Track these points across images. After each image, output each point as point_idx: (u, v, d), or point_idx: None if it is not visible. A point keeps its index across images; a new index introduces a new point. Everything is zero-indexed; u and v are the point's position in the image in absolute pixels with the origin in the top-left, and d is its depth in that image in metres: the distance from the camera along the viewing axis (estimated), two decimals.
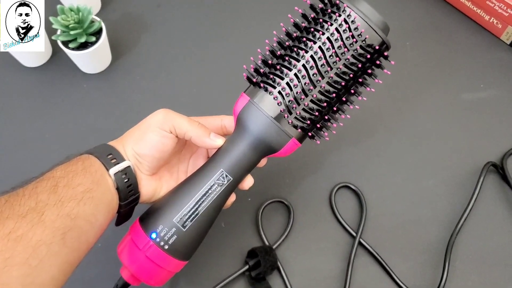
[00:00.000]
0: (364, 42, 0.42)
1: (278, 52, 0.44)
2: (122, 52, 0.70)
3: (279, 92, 0.43)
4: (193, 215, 0.43)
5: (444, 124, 0.65)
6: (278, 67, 0.43)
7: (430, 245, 0.57)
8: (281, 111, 0.43)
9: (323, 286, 0.55)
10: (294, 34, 0.44)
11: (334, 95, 0.43)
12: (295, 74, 0.42)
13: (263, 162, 0.48)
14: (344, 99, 0.44)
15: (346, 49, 0.42)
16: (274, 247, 0.55)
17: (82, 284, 0.54)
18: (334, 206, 0.58)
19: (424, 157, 0.62)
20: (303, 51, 0.43)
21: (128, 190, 0.43)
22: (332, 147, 0.62)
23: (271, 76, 0.43)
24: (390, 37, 0.73)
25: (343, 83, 0.43)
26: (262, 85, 0.44)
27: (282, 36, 0.45)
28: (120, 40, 0.70)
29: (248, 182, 0.47)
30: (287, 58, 0.43)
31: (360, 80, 0.44)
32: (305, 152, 0.62)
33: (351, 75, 0.43)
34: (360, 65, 0.43)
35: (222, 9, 0.74)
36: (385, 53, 0.43)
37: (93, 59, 0.66)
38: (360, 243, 0.56)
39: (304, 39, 0.43)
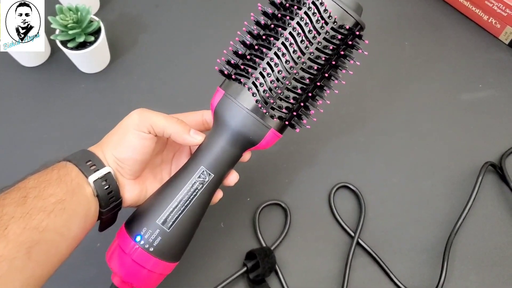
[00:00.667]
0: (335, 23, 0.41)
1: (248, 42, 0.43)
2: (121, 52, 0.70)
3: (253, 83, 0.42)
4: (176, 215, 0.42)
5: (442, 124, 0.65)
6: (249, 57, 0.42)
7: (428, 245, 0.57)
8: (256, 101, 0.42)
9: (322, 286, 0.55)
10: (263, 22, 0.43)
11: (308, 80, 0.42)
12: (268, 63, 0.41)
13: (246, 156, 0.46)
14: (321, 84, 0.43)
15: (316, 32, 0.40)
16: (272, 248, 0.55)
17: (80, 285, 0.54)
18: (333, 206, 0.58)
19: (422, 157, 0.62)
20: (274, 39, 0.41)
21: (109, 196, 0.42)
22: (331, 148, 0.62)
23: (243, 67, 0.42)
24: (388, 37, 0.73)
25: (316, 67, 0.41)
26: (234, 76, 0.43)
27: (252, 26, 0.43)
28: (118, 40, 0.70)
29: (232, 178, 0.46)
30: (257, 47, 0.42)
31: (335, 63, 0.43)
32: (304, 152, 0.62)
33: (324, 59, 0.41)
34: (332, 47, 0.41)
35: (220, 9, 0.74)
36: (357, 32, 0.41)
37: (92, 59, 0.66)
38: (358, 243, 0.56)
39: (274, 26, 0.42)
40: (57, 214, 0.37)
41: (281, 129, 0.44)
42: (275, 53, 0.41)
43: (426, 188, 0.60)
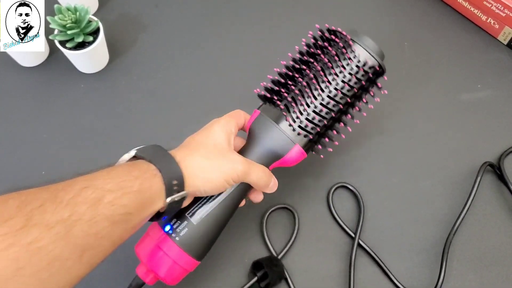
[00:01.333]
0: (359, 62, 0.48)
1: (285, 72, 0.50)
2: (120, 52, 0.70)
3: (286, 105, 0.48)
4: (204, 211, 0.46)
5: (441, 124, 0.65)
6: (284, 83, 0.49)
7: (427, 245, 0.57)
8: (286, 119, 0.48)
9: (325, 286, 0.55)
10: (301, 57, 0.50)
11: (333, 107, 0.48)
12: (300, 90, 0.48)
13: (259, 197, 0.51)
14: (344, 110, 0.49)
15: (343, 69, 0.47)
16: (279, 256, 0.55)
17: (80, 285, 0.54)
18: (332, 206, 0.58)
19: (421, 157, 0.63)
20: (308, 70, 0.48)
21: (171, 211, 0.42)
22: (329, 147, 0.62)
23: (281, 92, 0.49)
24: (387, 37, 0.73)
25: (341, 97, 0.48)
26: (273, 100, 0.49)
27: (290, 61, 0.51)
28: (117, 40, 0.70)
29: (257, 197, 0.50)
30: (293, 76, 0.49)
31: (358, 94, 0.49)
32: None
33: (348, 90, 0.48)
34: (356, 82, 0.48)
35: (219, 9, 0.74)
36: (378, 69, 0.49)
37: (91, 59, 0.66)
38: (358, 244, 0.56)
39: (310, 60, 0.49)
40: (119, 225, 0.37)
41: (306, 148, 0.49)
42: (307, 83, 0.48)
43: (424, 188, 0.61)
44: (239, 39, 0.71)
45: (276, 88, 0.49)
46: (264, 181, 0.47)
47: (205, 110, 0.66)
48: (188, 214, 0.45)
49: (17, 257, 0.30)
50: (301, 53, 0.50)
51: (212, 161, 0.44)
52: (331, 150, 0.52)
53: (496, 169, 0.61)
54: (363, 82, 0.48)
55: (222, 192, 0.46)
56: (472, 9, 0.71)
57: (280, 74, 0.50)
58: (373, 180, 0.61)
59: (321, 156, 0.53)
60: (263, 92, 0.50)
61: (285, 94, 0.48)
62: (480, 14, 0.70)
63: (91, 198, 0.35)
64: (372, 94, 0.50)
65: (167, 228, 0.45)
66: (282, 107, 0.48)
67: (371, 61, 0.48)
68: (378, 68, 0.49)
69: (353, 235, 0.57)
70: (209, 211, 0.46)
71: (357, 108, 0.50)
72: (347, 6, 0.74)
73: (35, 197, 0.33)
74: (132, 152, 0.42)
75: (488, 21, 0.70)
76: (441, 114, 0.66)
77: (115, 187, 0.36)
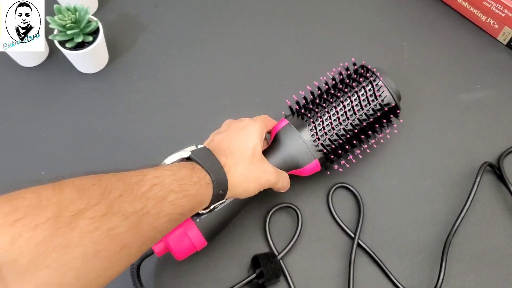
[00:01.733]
0: (382, 101, 0.54)
1: (318, 94, 0.56)
2: (119, 52, 0.70)
3: (313, 122, 0.53)
4: (225, 202, 0.50)
5: (440, 125, 0.65)
6: (313, 103, 0.55)
7: (427, 245, 0.57)
8: (311, 135, 0.53)
9: (324, 286, 0.55)
10: (332, 83, 0.57)
11: (352, 133, 0.54)
12: (327, 112, 0.54)
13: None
14: (361, 137, 0.55)
15: (367, 102, 0.54)
16: (280, 255, 0.55)
17: None
18: (331, 206, 0.58)
19: (420, 157, 0.63)
20: (336, 98, 0.54)
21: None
22: None
23: (310, 110, 0.54)
24: (387, 37, 0.73)
25: (361, 125, 0.54)
26: (304, 114, 0.54)
27: (323, 85, 0.57)
28: (117, 40, 0.70)
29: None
30: (324, 100, 0.55)
31: (374, 126, 0.55)
32: None
33: (369, 121, 0.54)
34: (374, 116, 0.54)
35: (219, 9, 0.74)
36: (397, 111, 0.56)
37: (90, 59, 0.66)
38: (357, 244, 0.56)
39: (340, 88, 0.55)
40: (173, 223, 0.41)
41: (323, 163, 0.54)
42: (335, 107, 0.54)
43: (424, 188, 0.61)
44: (239, 39, 0.71)
45: (309, 107, 0.55)
46: (284, 186, 0.53)
47: (205, 110, 0.66)
48: None
49: (98, 241, 0.33)
50: (334, 80, 0.57)
51: (252, 172, 0.48)
52: (341, 170, 0.57)
53: (495, 169, 0.61)
54: (378, 114, 0.54)
55: None
56: (471, 9, 0.71)
57: (312, 93, 0.56)
58: (373, 180, 0.61)
59: (328, 173, 0.57)
60: (296, 106, 0.55)
61: (316, 112, 0.54)
62: (480, 14, 0.70)
63: (158, 195, 0.38)
64: (384, 125, 0.56)
65: None
66: (311, 125, 0.53)
67: (392, 101, 0.55)
68: (393, 106, 0.56)
69: (352, 235, 0.57)
70: (228, 201, 0.51)
71: (369, 132, 0.55)
72: (347, 6, 0.74)
73: (115, 187, 0.36)
74: (186, 154, 0.45)
75: (487, 21, 0.70)
76: (440, 114, 0.66)
77: (178, 188, 0.40)
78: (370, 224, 0.58)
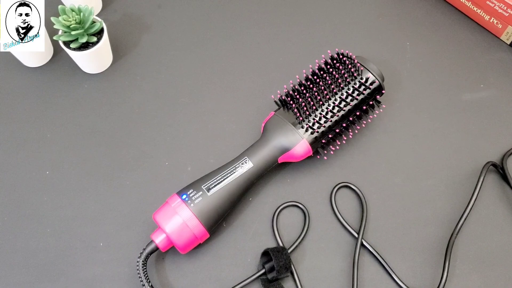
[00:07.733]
0: (360, 77, 0.57)
1: (301, 81, 0.59)
2: (123, 52, 0.70)
3: (297, 108, 0.56)
4: (217, 185, 0.53)
5: (444, 124, 0.65)
6: (298, 92, 0.57)
7: (430, 245, 0.57)
8: (296, 118, 0.55)
9: (328, 286, 0.55)
10: (315, 71, 0.59)
11: (338, 112, 0.55)
12: (310, 97, 0.56)
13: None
14: (347, 119, 0.56)
15: (346, 82, 0.56)
16: (289, 250, 0.55)
17: (84, 284, 0.55)
18: (335, 206, 0.59)
19: (424, 157, 0.63)
20: (316, 83, 0.57)
21: None
22: (332, 147, 0.62)
23: (294, 96, 0.57)
24: (390, 37, 0.73)
25: (342, 105, 0.56)
26: (287, 102, 0.57)
27: (304, 74, 0.59)
28: (121, 40, 0.71)
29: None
30: (305, 86, 0.57)
31: (361, 107, 0.57)
32: None
33: (351, 101, 0.56)
34: (357, 94, 0.56)
35: (222, 10, 0.74)
36: (382, 91, 0.57)
37: (94, 60, 0.66)
38: (361, 243, 0.56)
39: (319, 75, 0.58)
40: None
41: (312, 144, 0.56)
42: (316, 92, 0.56)
43: (427, 188, 0.61)
44: (242, 39, 0.72)
45: (291, 92, 0.57)
46: None
47: (208, 110, 0.66)
48: (203, 186, 0.53)
49: None
50: (314, 71, 0.59)
51: None
52: (332, 153, 0.58)
53: (499, 169, 0.61)
54: (364, 93, 0.56)
55: (236, 171, 0.54)
56: (475, 8, 0.71)
57: (295, 85, 0.58)
58: (376, 179, 0.61)
59: (325, 158, 0.58)
60: (278, 97, 0.58)
61: (298, 98, 0.56)
62: (483, 13, 0.70)
63: None
64: (371, 103, 0.58)
65: (184, 196, 0.53)
66: (295, 110, 0.55)
67: (372, 78, 0.57)
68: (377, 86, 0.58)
69: (356, 235, 0.57)
70: (222, 186, 0.53)
71: (358, 113, 0.57)
72: (350, 6, 0.75)
73: None
74: None
75: (491, 20, 0.70)
76: (443, 114, 0.66)
77: None
78: (373, 223, 0.58)
